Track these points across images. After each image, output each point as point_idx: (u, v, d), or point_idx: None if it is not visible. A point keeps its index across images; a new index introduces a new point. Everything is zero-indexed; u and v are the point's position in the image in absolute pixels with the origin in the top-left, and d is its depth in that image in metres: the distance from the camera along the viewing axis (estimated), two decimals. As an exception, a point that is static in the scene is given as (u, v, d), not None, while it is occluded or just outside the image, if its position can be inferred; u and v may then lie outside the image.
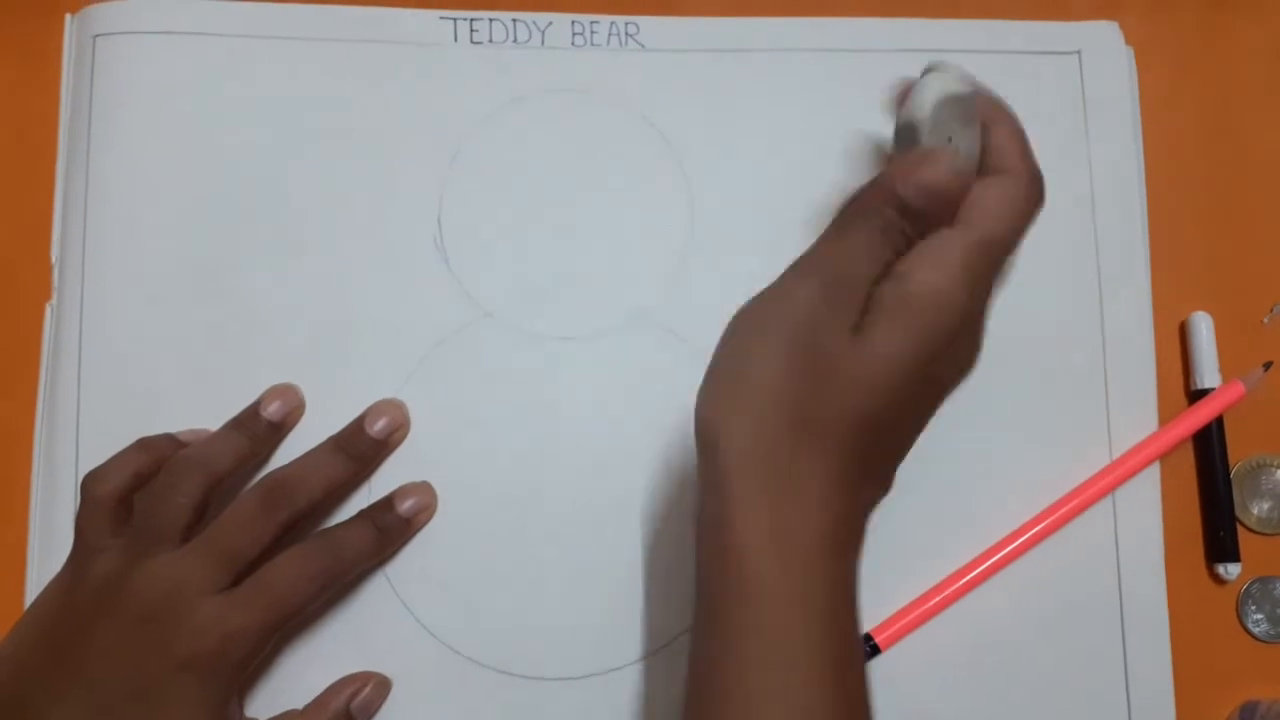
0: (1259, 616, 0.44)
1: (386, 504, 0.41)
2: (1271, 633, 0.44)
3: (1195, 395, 0.44)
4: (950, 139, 0.35)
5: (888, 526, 0.42)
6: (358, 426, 0.41)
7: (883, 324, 0.32)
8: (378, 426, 0.41)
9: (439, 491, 0.42)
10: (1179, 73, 0.47)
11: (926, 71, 0.35)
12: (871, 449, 0.33)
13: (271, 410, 0.41)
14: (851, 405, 0.32)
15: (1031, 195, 0.35)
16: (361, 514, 0.41)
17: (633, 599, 0.41)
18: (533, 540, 0.42)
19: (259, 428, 0.41)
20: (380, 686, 0.40)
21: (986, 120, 0.36)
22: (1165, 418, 0.44)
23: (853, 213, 0.34)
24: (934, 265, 0.32)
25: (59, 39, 0.45)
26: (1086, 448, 0.43)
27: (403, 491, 0.41)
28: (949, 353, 0.33)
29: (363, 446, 0.41)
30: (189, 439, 0.40)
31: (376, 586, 0.41)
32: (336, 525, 0.40)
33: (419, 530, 0.41)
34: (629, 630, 0.41)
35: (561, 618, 0.41)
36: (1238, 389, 0.43)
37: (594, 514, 0.42)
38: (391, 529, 0.40)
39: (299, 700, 0.40)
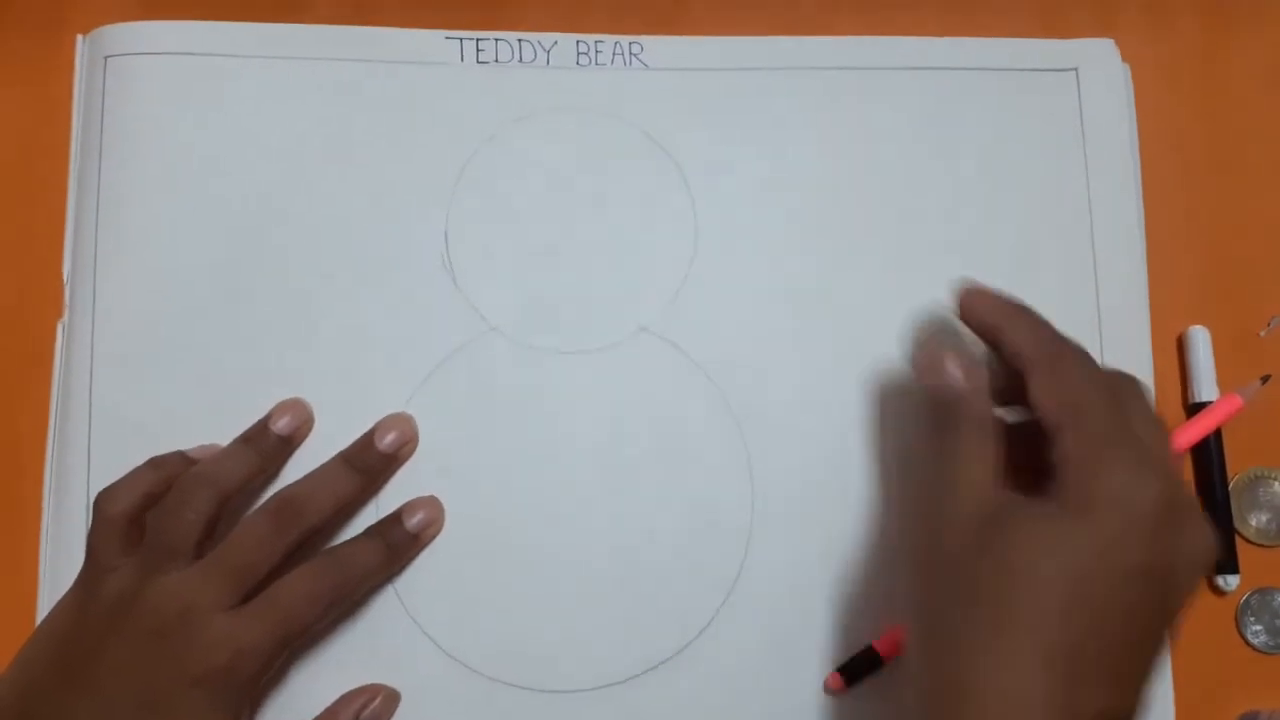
0: (1258, 628, 0.44)
1: (395, 519, 0.41)
2: (1271, 644, 0.44)
3: (1193, 408, 0.45)
4: None
5: (881, 530, 0.43)
6: (367, 441, 0.41)
7: None
8: (387, 440, 0.41)
9: (445, 504, 0.42)
10: (1176, 89, 0.48)
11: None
12: None
13: (281, 425, 0.41)
14: None
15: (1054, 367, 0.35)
16: (370, 530, 0.41)
17: (635, 613, 0.42)
18: (537, 553, 0.42)
19: (268, 443, 0.41)
20: (389, 700, 0.40)
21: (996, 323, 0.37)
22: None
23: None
24: None
25: (70, 60, 0.45)
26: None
27: (410, 507, 0.41)
28: None
29: (371, 461, 0.41)
30: (199, 455, 0.41)
31: (384, 600, 0.41)
32: (345, 542, 0.40)
33: (427, 545, 0.42)
34: (631, 644, 0.41)
35: (565, 631, 0.41)
36: (1235, 402, 0.44)
37: (598, 528, 0.42)
38: (399, 544, 0.41)
39: (308, 713, 0.40)
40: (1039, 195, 0.46)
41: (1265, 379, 0.44)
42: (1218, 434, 0.44)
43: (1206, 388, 0.44)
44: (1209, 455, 0.44)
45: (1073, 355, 0.36)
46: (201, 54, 0.45)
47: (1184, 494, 0.33)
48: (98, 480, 0.40)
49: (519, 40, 0.46)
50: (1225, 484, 0.44)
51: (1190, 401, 0.45)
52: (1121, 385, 0.36)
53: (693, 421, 0.43)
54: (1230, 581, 0.44)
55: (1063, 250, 0.45)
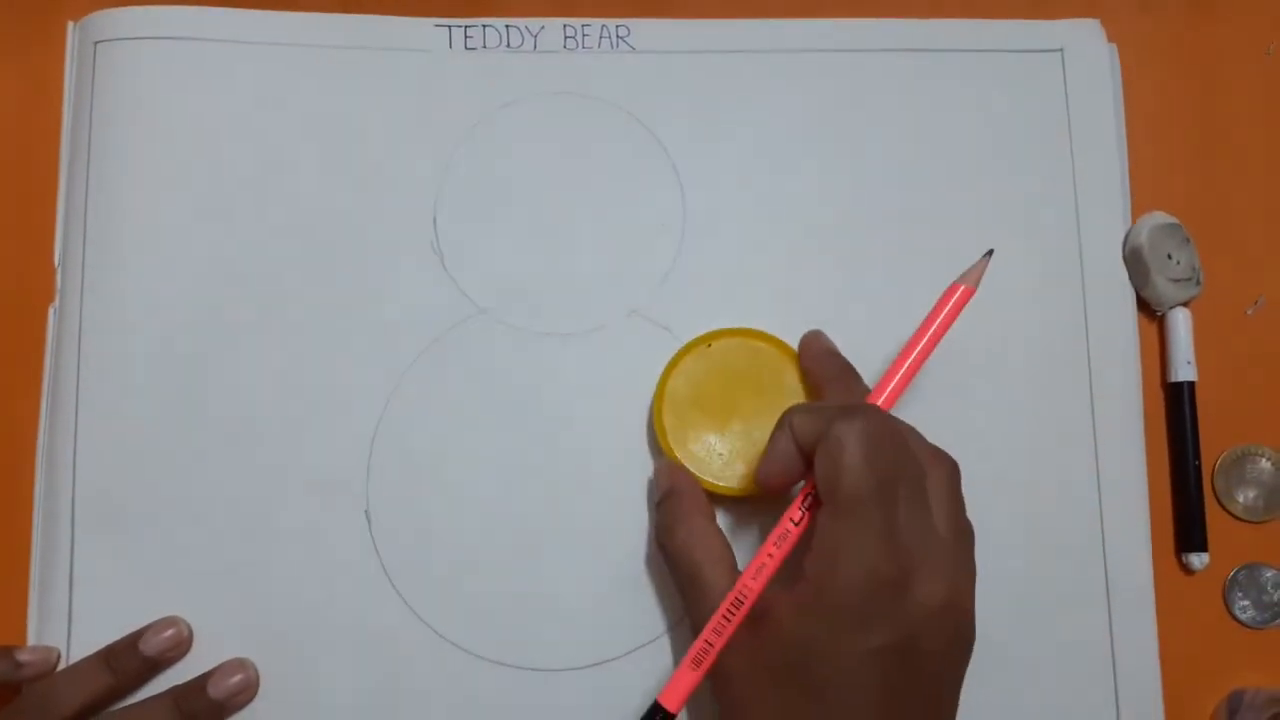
0: (1245, 603, 0.44)
1: (198, 687, 0.39)
2: (1258, 619, 0.44)
3: (1170, 388, 0.45)
4: (1169, 255, 0.44)
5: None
6: (199, 685, 0.40)
7: None
8: (231, 681, 0.40)
9: (434, 486, 0.42)
10: (1161, 69, 0.48)
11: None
12: None
13: (150, 646, 0.39)
14: None
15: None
16: (162, 696, 0.40)
17: (625, 591, 0.42)
18: (528, 534, 0.42)
19: (130, 663, 0.39)
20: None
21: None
22: (1147, 410, 0.44)
23: None
24: None
25: (62, 46, 0.46)
26: (1071, 439, 0.44)
27: (221, 670, 0.40)
28: None
29: (200, 704, 0.39)
30: (36, 662, 0.39)
31: (375, 581, 0.42)
32: (129, 706, 0.39)
33: (235, 712, 0.40)
34: (621, 622, 0.42)
35: (556, 610, 0.42)
36: (966, 292, 0.39)
37: (586, 509, 0.43)
38: (198, 715, 0.39)
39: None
40: (1024, 175, 0.46)
41: (989, 253, 0.40)
42: (1194, 414, 0.44)
43: (1182, 369, 0.45)
44: (1184, 435, 0.44)
45: (857, 431, 0.35)
46: (191, 39, 0.45)
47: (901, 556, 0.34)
48: (85, 463, 0.41)
49: (506, 26, 0.46)
50: (1199, 464, 0.44)
51: (1167, 381, 0.45)
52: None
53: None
54: (1200, 559, 0.44)
55: (1048, 231, 0.45)
